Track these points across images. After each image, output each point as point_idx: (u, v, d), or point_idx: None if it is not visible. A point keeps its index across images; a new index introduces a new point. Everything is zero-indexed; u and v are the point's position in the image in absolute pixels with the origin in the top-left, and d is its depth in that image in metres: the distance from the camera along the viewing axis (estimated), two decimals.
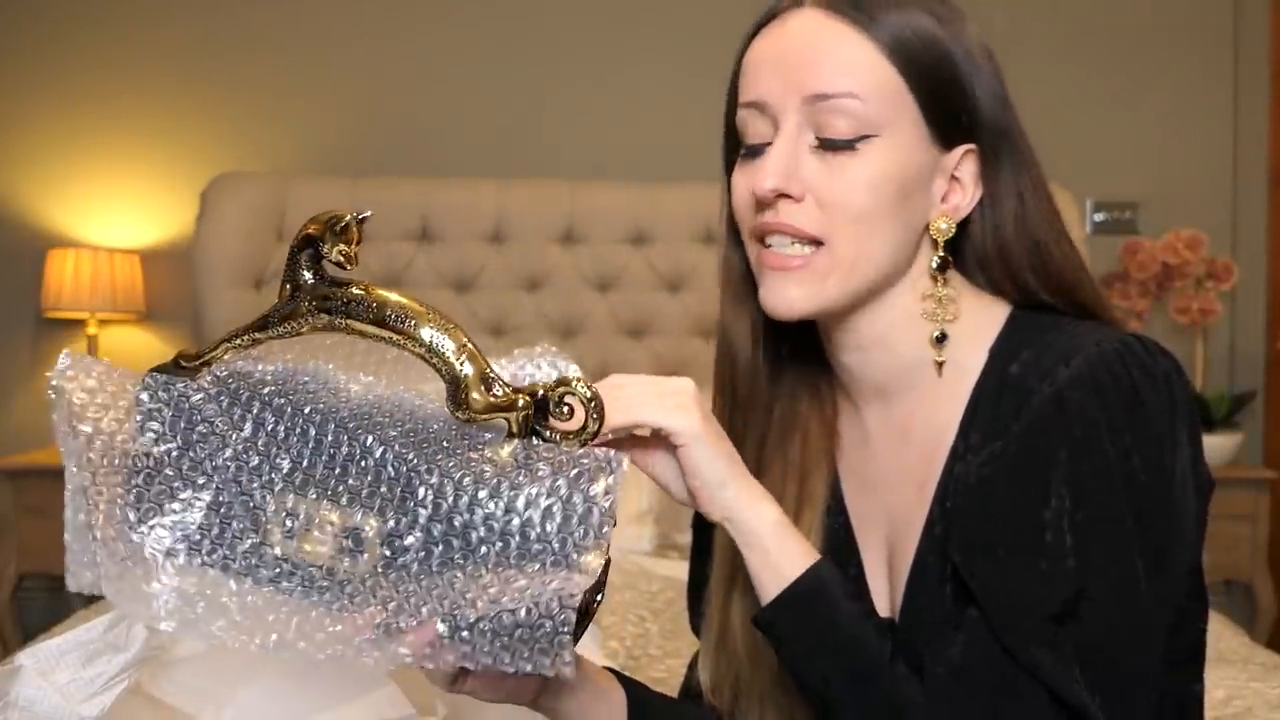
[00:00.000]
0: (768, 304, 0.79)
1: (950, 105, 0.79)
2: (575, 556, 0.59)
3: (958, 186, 0.80)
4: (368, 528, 0.62)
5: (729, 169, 0.85)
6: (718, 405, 0.89)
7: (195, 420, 0.66)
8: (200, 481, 0.65)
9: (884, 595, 0.85)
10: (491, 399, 0.62)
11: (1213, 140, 3.15)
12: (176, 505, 0.64)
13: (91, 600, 2.89)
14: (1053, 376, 0.73)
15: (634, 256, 2.88)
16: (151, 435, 0.66)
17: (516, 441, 0.63)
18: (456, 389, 0.63)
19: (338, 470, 0.64)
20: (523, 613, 0.57)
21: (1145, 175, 3.13)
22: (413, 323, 0.64)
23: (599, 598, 0.65)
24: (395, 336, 0.64)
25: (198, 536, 0.64)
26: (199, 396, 0.67)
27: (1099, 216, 3.15)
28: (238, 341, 0.71)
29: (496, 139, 3.07)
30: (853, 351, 0.83)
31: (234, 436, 0.65)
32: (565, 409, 0.63)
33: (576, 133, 3.09)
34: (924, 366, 0.81)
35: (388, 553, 0.61)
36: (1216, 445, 2.83)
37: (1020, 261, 0.80)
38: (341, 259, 0.67)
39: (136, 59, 3.08)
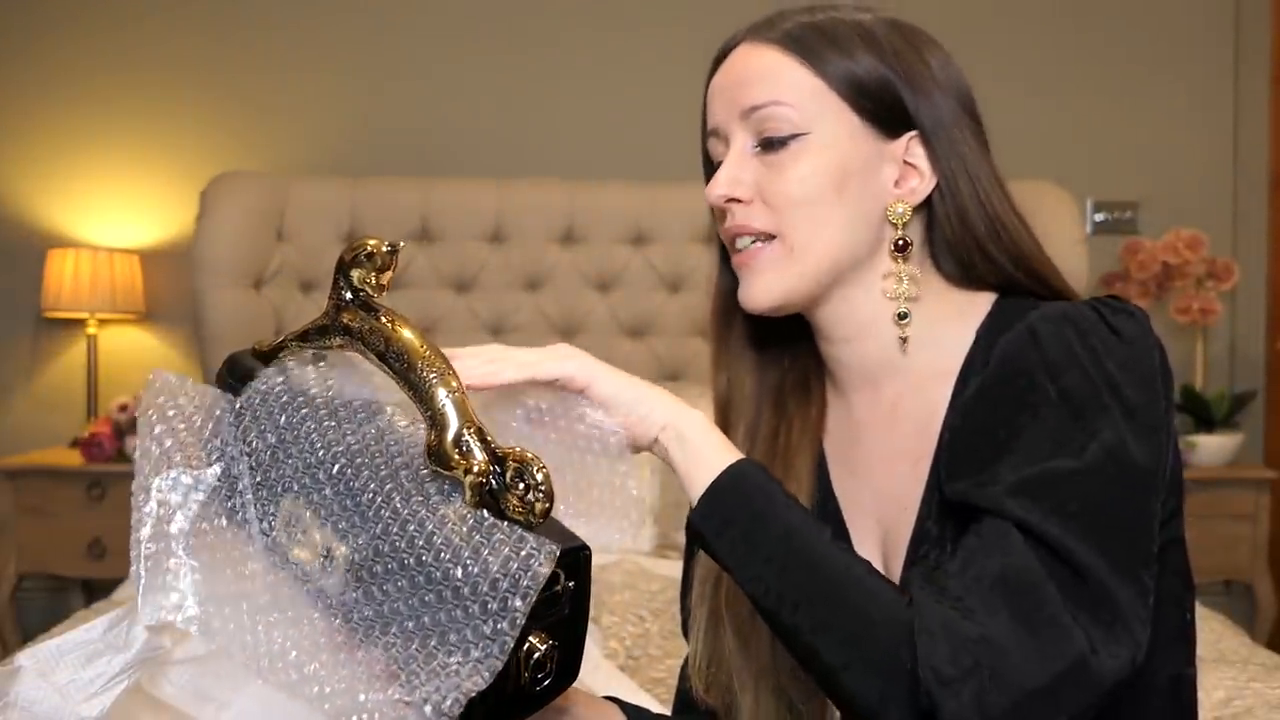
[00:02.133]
0: (743, 300, 0.86)
1: (878, 96, 0.83)
2: (483, 629, 0.59)
3: (913, 172, 0.84)
4: (337, 551, 0.64)
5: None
6: (715, 412, 0.92)
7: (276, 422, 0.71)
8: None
9: None
10: (456, 455, 0.63)
11: (1213, 140, 3.15)
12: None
13: (91, 600, 2.90)
14: (1026, 319, 0.76)
15: (634, 256, 2.88)
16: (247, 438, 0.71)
17: (470, 505, 0.63)
18: (431, 438, 0.64)
19: (350, 473, 0.66)
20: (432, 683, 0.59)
21: (1145, 175, 3.13)
22: (405, 364, 0.66)
23: (545, 680, 0.64)
24: (389, 372, 0.67)
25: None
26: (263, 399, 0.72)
27: (1099, 216, 3.15)
28: (292, 346, 0.75)
29: (496, 139, 3.07)
30: (841, 343, 0.87)
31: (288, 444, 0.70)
32: (520, 484, 0.63)
33: (576, 133, 3.09)
34: (903, 351, 0.85)
35: (348, 566, 0.64)
36: (1216, 445, 2.83)
37: (985, 240, 0.84)
38: (366, 289, 0.70)
39: (136, 59, 3.08)
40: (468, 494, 0.63)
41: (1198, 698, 0.85)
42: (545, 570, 0.59)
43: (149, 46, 3.08)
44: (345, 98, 3.09)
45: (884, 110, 0.83)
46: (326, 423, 0.68)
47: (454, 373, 0.66)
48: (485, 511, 0.62)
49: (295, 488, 0.67)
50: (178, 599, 0.64)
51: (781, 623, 0.70)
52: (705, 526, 0.73)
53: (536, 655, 0.62)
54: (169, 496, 0.68)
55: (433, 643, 0.60)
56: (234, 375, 0.75)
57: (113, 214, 3.06)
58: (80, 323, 3.00)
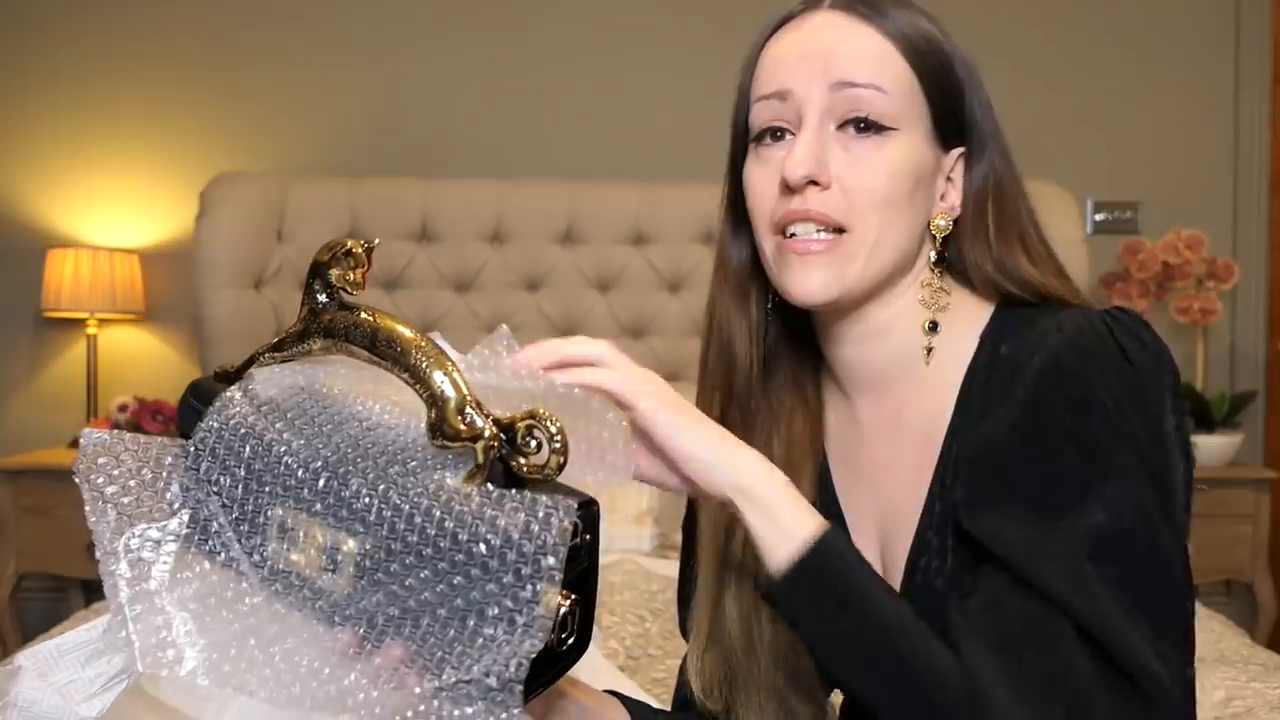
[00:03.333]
0: (792, 290, 0.81)
1: (951, 107, 0.83)
2: (523, 595, 0.59)
3: (951, 187, 0.85)
4: (344, 547, 0.63)
5: (734, 165, 0.87)
6: (705, 401, 0.90)
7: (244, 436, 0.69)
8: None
9: None
10: (462, 427, 0.63)
11: (1213, 140, 3.15)
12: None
13: (91, 600, 2.90)
14: (1045, 344, 0.75)
15: (634, 256, 2.88)
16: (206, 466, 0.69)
17: (480, 474, 0.63)
18: (432, 415, 0.64)
19: (337, 485, 0.65)
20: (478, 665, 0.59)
21: (1145, 175, 3.13)
22: (399, 350, 0.66)
23: (568, 639, 0.64)
24: (383, 362, 0.67)
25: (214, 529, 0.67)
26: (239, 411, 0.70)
27: (1099, 216, 3.15)
28: (264, 360, 0.73)
29: (496, 139, 3.07)
30: (854, 344, 0.86)
31: (275, 445, 0.68)
32: (532, 442, 0.63)
33: (576, 133, 3.09)
34: (916, 356, 0.84)
35: (358, 572, 0.63)
36: (1216, 445, 2.83)
37: (1002, 260, 0.83)
38: (345, 286, 0.69)
39: (136, 59, 3.08)
40: (480, 457, 0.63)
41: (1197, 698, 0.85)
42: (568, 524, 0.59)
43: (149, 47, 3.08)
44: (345, 98, 3.09)
45: (951, 123, 0.83)
46: (296, 442, 0.67)
47: (447, 356, 0.66)
48: (489, 485, 0.62)
49: (280, 511, 0.66)
50: (175, 654, 0.62)
51: (856, 695, 0.71)
52: (787, 603, 0.72)
53: (562, 612, 0.62)
54: (140, 554, 0.65)
55: (472, 622, 0.60)
56: (203, 402, 0.73)
57: (113, 214, 3.06)
58: (80, 323, 3.00)
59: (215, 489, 0.68)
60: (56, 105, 3.08)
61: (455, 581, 0.60)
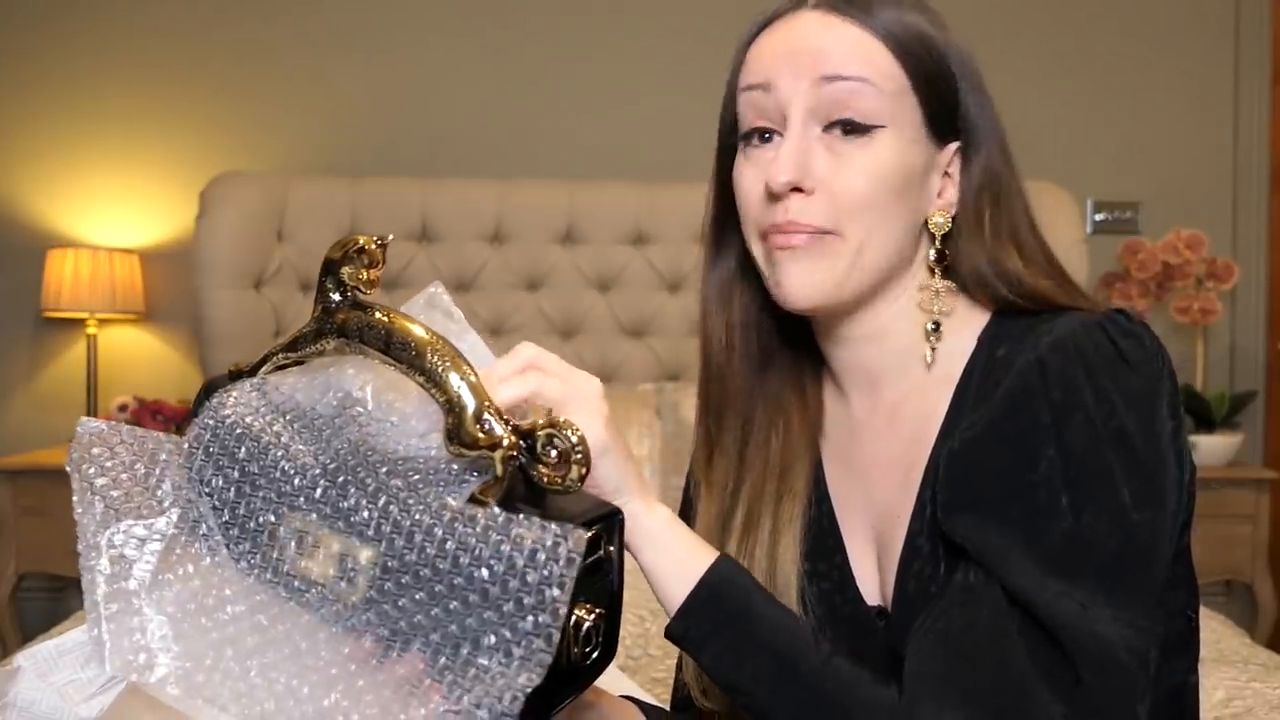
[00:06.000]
0: (783, 292, 0.80)
1: (944, 102, 0.81)
2: (522, 626, 0.56)
3: (949, 183, 0.83)
4: (362, 556, 0.61)
5: (722, 163, 0.87)
6: (702, 401, 0.90)
7: (242, 437, 0.67)
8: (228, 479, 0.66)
9: (873, 582, 0.85)
10: (480, 435, 0.61)
11: (1213, 140, 3.15)
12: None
13: None
14: (1035, 344, 0.74)
15: (634, 256, 2.88)
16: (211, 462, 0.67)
17: (498, 485, 0.61)
18: (451, 423, 0.62)
19: (335, 494, 0.62)
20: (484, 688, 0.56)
21: (1145, 175, 3.13)
22: (415, 353, 0.63)
23: (593, 654, 0.62)
24: (398, 365, 0.64)
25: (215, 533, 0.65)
26: (241, 410, 0.67)
27: (1099, 216, 3.15)
28: (277, 359, 0.71)
29: (496, 139, 3.07)
30: (852, 344, 0.85)
31: (276, 451, 0.65)
32: (552, 451, 0.62)
33: (576, 133, 3.09)
34: (915, 355, 0.83)
35: (376, 575, 0.61)
36: (1216, 445, 2.83)
37: (999, 262, 0.81)
38: (358, 285, 0.67)
39: (136, 59, 3.08)
40: (498, 468, 0.61)
41: (1199, 700, 0.85)
42: (576, 556, 0.56)
43: (149, 47, 3.08)
44: (345, 98, 3.09)
45: (944, 118, 0.81)
46: (295, 445, 0.64)
47: (461, 357, 0.64)
48: (496, 507, 0.59)
49: (273, 518, 0.64)
50: (146, 658, 0.60)
51: (755, 702, 0.71)
52: (686, 639, 0.73)
53: (585, 627, 0.61)
54: (123, 551, 0.63)
55: (465, 650, 0.57)
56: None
57: (113, 214, 3.06)
58: (80, 323, 3.00)
59: (207, 490, 0.66)
60: (56, 105, 3.07)
61: (451, 606, 0.57)
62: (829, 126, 0.78)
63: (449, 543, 0.58)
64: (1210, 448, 2.83)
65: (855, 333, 0.84)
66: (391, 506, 0.60)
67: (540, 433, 0.62)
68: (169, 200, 3.05)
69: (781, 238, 0.79)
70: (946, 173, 0.83)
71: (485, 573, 0.56)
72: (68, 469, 0.66)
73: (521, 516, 0.57)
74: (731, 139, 0.85)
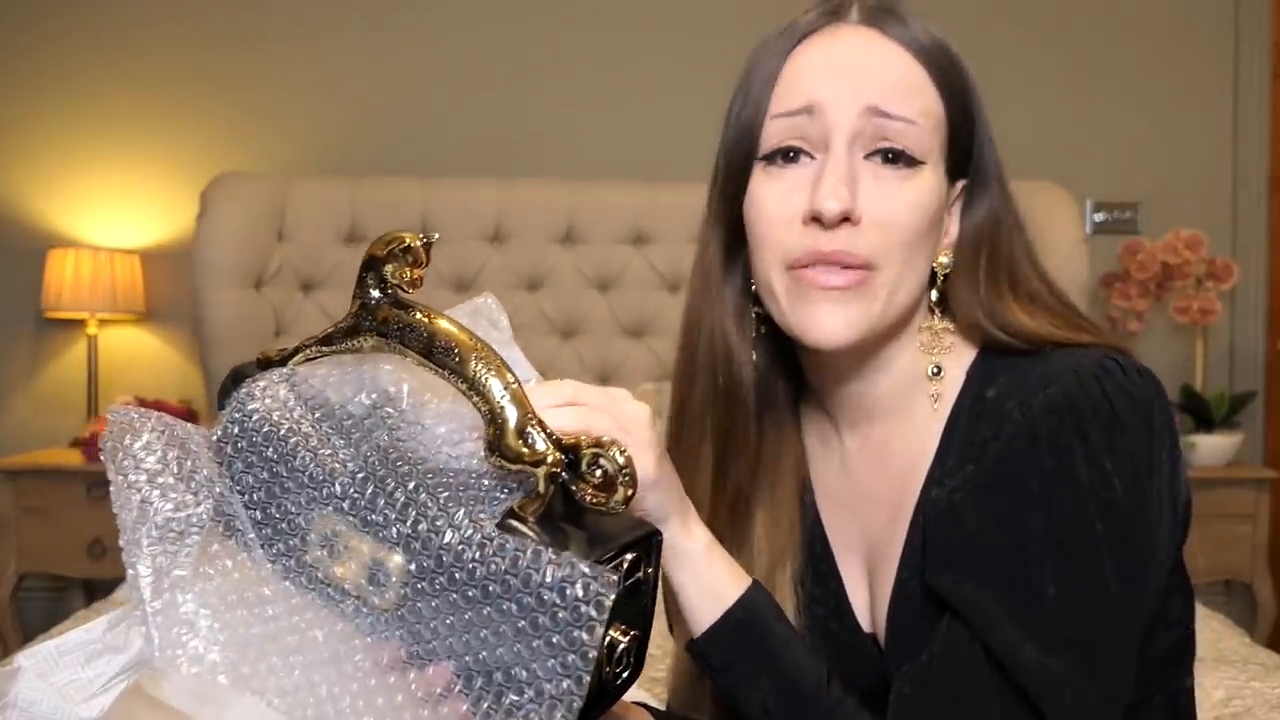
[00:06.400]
0: (810, 331, 0.75)
1: (964, 140, 0.79)
2: (551, 664, 0.55)
3: (951, 221, 0.81)
4: (392, 563, 0.59)
5: (731, 184, 0.80)
6: (692, 431, 0.86)
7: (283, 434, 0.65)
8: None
9: (865, 612, 0.85)
10: (524, 449, 0.59)
11: (1213, 140, 3.15)
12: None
13: (91, 600, 2.90)
14: (1028, 403, 0.71)
15: (634, 256, 2.88)
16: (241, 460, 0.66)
17: (539, 502, 0.59)
18: (492, 434, 0.60)
19: (364, 505, 0.61)
20: (527, 690, 0.55)
21: (1145, 175, 3.13)
22: (458, 358, 0.61)
23: (624, 674, 0.61)
24: (440, 370, 0.62)
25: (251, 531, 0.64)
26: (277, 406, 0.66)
27: (1099, 216, 3.15)
28: (310, 352, 0.69)
29: (496, 139, 3.07)
30: (853, 380, 0.83)
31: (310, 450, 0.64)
32: (598, 471, 0.60)
33: (576, 133, 3.09)
34: (910, 391, 0.82)
35: (408, 590, 0.59)
36: (1216, 445, 2.83)
37: (995, 298, 0.79)
38: (400, 283, 0.64)
39: (136, 59, 3.08)
40: (541, 486, 0.59)
41: (1196, 699, 0.85)
42: (608, 599, 0.54)
43: (149, 47, 3.08)
44: (345, 98, 3.09)
45: (962, 156, 0.79)
46: (322, 450, 0.63)
47: (505, 364, 0.62)
48: (530, 535, 0.57)
49: (303, 522, 0.62)
50: (195, 648, 0.60)
51: None
52: (709, 659, 0.74)
53: (620, 649, 0.59)
54: (163, 543, 0.62)
55: (498, 677, 0.56)
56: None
57: (113, 214, 3.06)
58: (80, 323, 3.00)
59: (239, 487, 0.65)
60: (57, 105, 3.07)
61: (483, 634, 0.56)
62: (871, 154, 0.75)
63: (479, 570, 0.56)
64: (1210, 448, 2.83)
65: (859, 369, 0.82)
66: (421, 525, 0.58)
67: (586, 451, 0.60)
68: (169, 200, 3.05)
69: (823, 276, 0.74)
70: (949, 210, 0.80)
71: (515, 607, 0.55)
72: (101, 458, 0.65)
73: (552, 552, 0.55)
74: (748, 160, 0.78)
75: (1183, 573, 0.82)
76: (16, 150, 3.08)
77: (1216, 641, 1.86)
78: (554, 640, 0.54)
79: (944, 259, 0.79)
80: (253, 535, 0.64)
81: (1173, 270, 2.89)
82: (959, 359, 0.81)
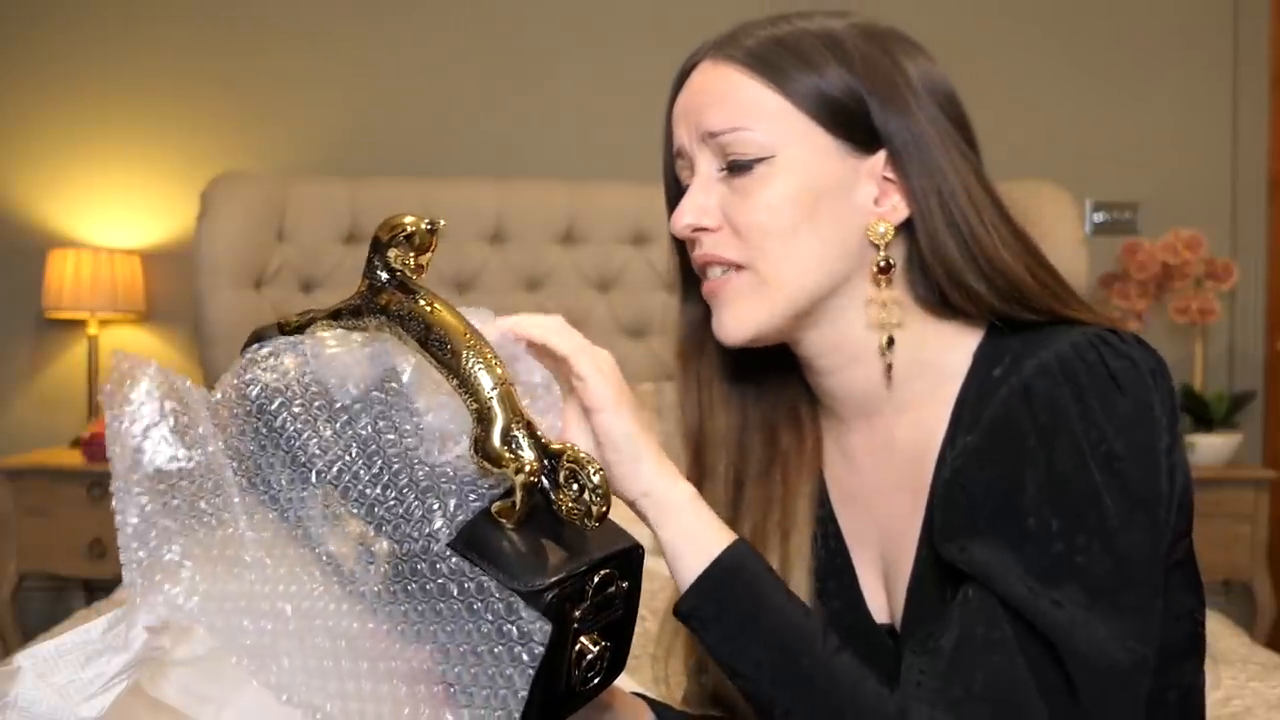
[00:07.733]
0: (717, 333, 0.83)
1: (846, 113, 0.79)
2: (511, 682, 0.58)
3: (893, 188, 0.80)
4: (378, 546, 0.61)
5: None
6: (699, 462, 0.91)
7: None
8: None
9: (882, 608, 0.85)
10: (506, 453, 0.60)
11: (1213, 140, 3.15)
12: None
13: (91, 600, 2.90)
14: (1022, 367, 0.73)
15: (634, 256, 2.88)
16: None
17: (516, 512, 0.61)
18: (477, 432, 0.61)
19: (364, 483, 0.62)
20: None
21: (1145, 175, 3.14)
22: (450, 352, 0.62)
23: (594, 680, 0.63)
24: (433, 362, 0.63)
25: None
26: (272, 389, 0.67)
27: (1099, 216, 3.15)
28: (321, 325, 0.70)
29: (496, 139, 3.07)
30: (829, 374, 0.84)
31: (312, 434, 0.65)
32: (574, 485, 0.61)
33: (576, 133, 3.09)
34: (906, 382, 0.82)
35: (393, 574, 0.61)
36: (1216, 445, 2.84)
37: (962, 270, 0.78)
38: (404, 269, 0.65)
39: (137, 59, 3.08)
40: (518, 494, 0.60)
41: (1205, 700, 0.85)
42: (540, 649, 0.57)
43: (149, 46, 3.08)
44: (345, 98, 3.09)
45: (856, 126, 0.79)
46: (306, 433, 0.64)
47: (498, 359, 0.62)
48: (483, 579, 0.59)
49: (284, 498, 0.64)
50: (177, 595, 0.62)
51: (754, 689, 0.71)
52: (694, 616, 0.72)
53: (589, 656, 0.61)
54: (155, 492, 0.64)
55: (466, 675, 0.59)
56: None
57: (113, 214, 3.06)
58: (81, 323, 3.00)
59: (229, 451, 0.66)
60: (57, 105, 3.08)
61: (449, 629, 0.59)
62: (724, 169, 0.81)
63: (449, 585, 0.59)
64: (1209, 448, 2.83)
65: (824, 363, 0.83)
66: (384, 526, 0.61)
67: (564, 465, 0.61)
68: (170, 200, 3.05)
69: (706, 285, 0.83)
70: (886, 178, 0.80)
71: (473, 628, 0.58)
72: (101, 400, 0.67)
73: (497, 593, 0.58)
74: (680, 190, 0.86)
75: (1192, 566, 0.81)
76: (17, 150, 3.08)
77: (1216, 641, 1.86)
78: (506, 672, 0.58)
79: (881, 227, 0.79)
80: (238, 499, 0.65)
81: (1172, 270, 2.89)
82: (964, 343, 0.80)
